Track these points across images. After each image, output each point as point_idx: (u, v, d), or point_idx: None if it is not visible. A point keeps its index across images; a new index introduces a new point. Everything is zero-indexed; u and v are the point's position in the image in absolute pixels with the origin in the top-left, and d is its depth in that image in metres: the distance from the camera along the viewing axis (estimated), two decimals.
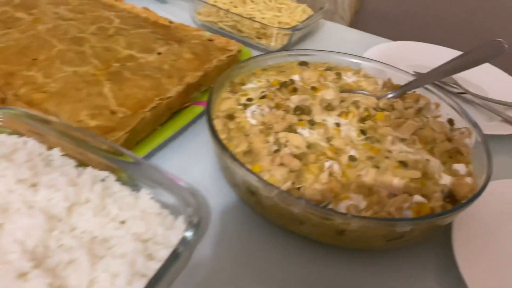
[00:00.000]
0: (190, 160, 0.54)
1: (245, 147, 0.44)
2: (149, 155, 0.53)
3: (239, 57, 0.70)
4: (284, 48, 0.78)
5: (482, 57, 0.51)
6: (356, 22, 1.46)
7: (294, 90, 0.54)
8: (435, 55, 0.80)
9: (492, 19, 1.24)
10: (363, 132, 0.49)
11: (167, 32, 0.71)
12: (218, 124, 0.47)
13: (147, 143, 0.53)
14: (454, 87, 0.75)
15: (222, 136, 0.45)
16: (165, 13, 0.86)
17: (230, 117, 0.49)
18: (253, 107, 0.49)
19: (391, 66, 0.62)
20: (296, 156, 0.43)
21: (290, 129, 0.47)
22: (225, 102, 0.51)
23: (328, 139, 0.47)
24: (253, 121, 0.48)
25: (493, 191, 0.48)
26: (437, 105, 0.57)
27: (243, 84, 0.56)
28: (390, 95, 0.56)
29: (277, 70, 0.60)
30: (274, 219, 0.44)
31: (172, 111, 0.58)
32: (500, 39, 0.49)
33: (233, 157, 0.41)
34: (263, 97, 0.52)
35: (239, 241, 0.45)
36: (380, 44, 0.81)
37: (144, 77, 0.59)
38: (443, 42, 0.89)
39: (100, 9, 0.74)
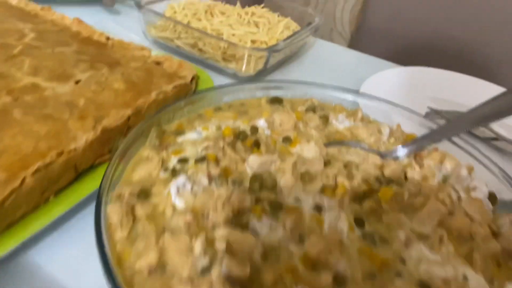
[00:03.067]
0: (88, 258, 0.35)
1: (153, 259, 0.25)
2: (26, 247, 0.34)
3: (194, 87, 0.52)
4: (259, 75, 0.60)
5: None
6: (358, 40, 1.28)
7: (257, 146, 0.36)
8: (457, 86, 0.62)
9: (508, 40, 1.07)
10: (358, 222, 0.30)
11: (100, 52, 0.53)
12: (114, 212, 0.28)
13: (24, 227, 0.34)
14: (482, 131, 0.56)
15: (119, 234, 0.27)
16: (118, 25, 0.68)
17: (144, 194, 0.30)
18: (181, 179, 0.31)
19: (401, 106, 0.44)
20: (241, 284, 0.24)
21: (238, 222, 0.28)
22: (142, 166, 0.33)
23: (302, 239, 0.28)
24: (180, 204, 0.29)
25: None
26: (471, 170, 0.38)
27: (179, 133, 0.37)
28: (400, 153, 0.38)
29: (236, 110, 0.42)
30: None
31: (78, 171, 0.39)
32: None
33: None
34: (202, 158, 0.33)
35: None
36: (386, 70, 0.63)
37: (42, 118, 0.40)
38: (463, 67, 0.71)
39: (14, 19, 0.56)
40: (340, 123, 0.42)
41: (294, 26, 0.68)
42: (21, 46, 0.50)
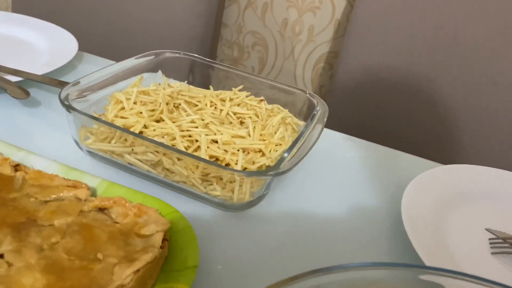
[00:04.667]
0: None
1: None
2: None
3: (165, 252, 0.31)
4: (255, 201, 0.40)
5: None
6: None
7: None
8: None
9: None
10: None
11: (2, 201, 0.31)
12: None
13: None
14: None
15: None
16: (37, 125, 0.46)
17: None
18: None
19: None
20: None
21: None
22: None
23: None
24: None
25: None
26: None
27: None
28: None
29: None
30: None
31: None
32: None
33: None
34: None
35: None
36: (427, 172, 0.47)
37: None
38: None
39: None
40: None
41: (289, 117, 0.50)
42: None
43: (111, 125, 0.39)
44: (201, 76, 0.60)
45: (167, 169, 0.40)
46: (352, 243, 0.39)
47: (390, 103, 0.98)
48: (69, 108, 0.40)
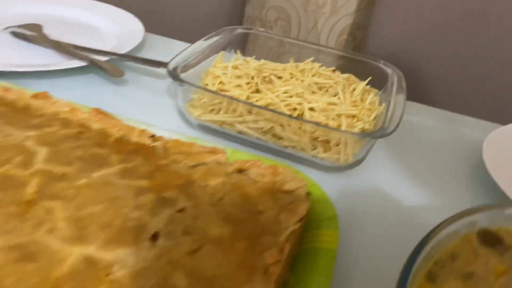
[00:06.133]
0: None
1: None
2: None
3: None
4: (356, 164, 0.44)
5: None
6: None
7: None
8: None
9: None
10: None
11: (154, 166, 0.35)
12: None
13: None
14: None
15: None
16: (133, 104, 0.49)
17: None
18: None
19: None
20: None
21: None
22: None
23: None
24: None
25: None
26: None
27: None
28: None
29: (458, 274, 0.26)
30: None
31: None
32: None
33: None
34: None
35: None
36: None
37: None
38: None
39: (4, 125, 0.36)
40: None
41: (370, 91, 0.53)
42: (37, 179, 0.30)
43: (232, 98, 0.42)
44: (262, 50, 0.63)
45: (275, 136, 0.44)
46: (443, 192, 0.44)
47: (420, 71, 1.01)
48: (179, 80, 0.43)
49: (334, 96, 0.48)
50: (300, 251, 0.32)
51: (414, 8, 0.96)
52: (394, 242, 0.37)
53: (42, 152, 0.33)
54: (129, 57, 0.55)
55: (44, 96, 0.40)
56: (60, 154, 0.33)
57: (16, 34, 0.60)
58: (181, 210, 0.30)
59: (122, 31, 0.66)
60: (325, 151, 0.43)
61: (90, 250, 0.26)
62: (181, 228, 0.29)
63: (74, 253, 0.26)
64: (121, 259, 0.26)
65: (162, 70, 0.54)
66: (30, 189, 0.29)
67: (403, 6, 0.98)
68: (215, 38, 0.55)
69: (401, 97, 0.48)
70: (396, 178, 0.45)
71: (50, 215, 0.28)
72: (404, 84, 0.50)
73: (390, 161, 0.48)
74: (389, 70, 0.54)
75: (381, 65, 0.55)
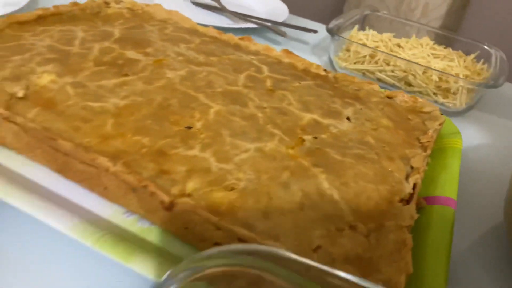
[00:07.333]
0: None
1: None
2: None
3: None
4: (465, 110, 0.58)
5: None
6: None
7: None
8: None
9: None
10: None
11: (332, 86, 0.51)
12: None
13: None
14: None
15: None
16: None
17: None
18: None
19: None
20: None
21: None
22: None
23: None
24: None
25: None
26: None
27: None
28: None
29: None
30: None
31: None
32: None
33: None
34: None
35: None
36: None
37: (358, 158, 0.38)
38: None
39: (232, 50, 0.54)
40: None
41: (475, 65, 0.67)
42: (269, 80, 0.48)
43: (379, 50, 0.58)
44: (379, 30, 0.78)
45: (407, 83, 0.58)
46: None
47: None
48: (337, 35, 0.59)
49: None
50: (433, 150, 0.47)
51: (508, 12, 1.07)
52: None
53: (264, 68, 0.50)
54: (286, 24, 0.72)
55: (248, 39, 0.58)
56: (275, 69, 0.50)
57: (197, 4, 0.79)
58: (359, 109, 0.46)
59: (268, 9, 0.83)
60: (444, 98, 0.57)
61: (315, 116, 0.42)
62: (363, 117, 0.45)
63: (307, 116, 0.42)
64: (332, 124, 0.42)
65: (309, 35, 0.71)
66: (268, 83, 0.47)
67: (494, 9, 1.09)
68: (349, 15, 0.72)
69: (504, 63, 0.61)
70: (496, 126, 0.59)
71: (285, 97, 0.45)
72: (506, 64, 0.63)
73: (491, 115, 0.61)
74: (492, 51, 0.67)
75: (485, 46, 0.68)
